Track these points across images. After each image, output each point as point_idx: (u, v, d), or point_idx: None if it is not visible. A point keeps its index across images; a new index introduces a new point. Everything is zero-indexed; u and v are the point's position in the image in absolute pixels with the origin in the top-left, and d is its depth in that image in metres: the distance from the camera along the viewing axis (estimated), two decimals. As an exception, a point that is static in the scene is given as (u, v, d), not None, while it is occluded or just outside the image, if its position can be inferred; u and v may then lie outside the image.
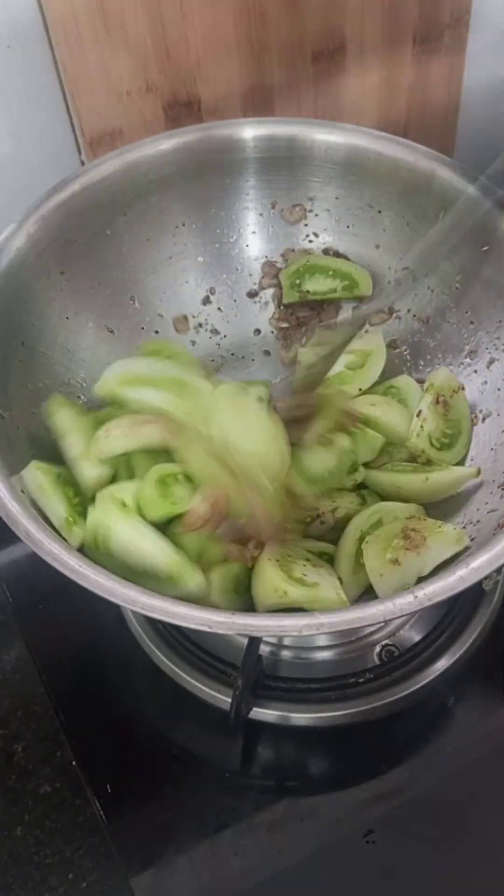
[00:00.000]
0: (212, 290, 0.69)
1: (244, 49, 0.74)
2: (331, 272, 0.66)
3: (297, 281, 0.67)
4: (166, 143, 0.64)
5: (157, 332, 0.67)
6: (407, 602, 0.45)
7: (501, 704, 0.61)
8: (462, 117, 0.88)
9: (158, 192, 0.64)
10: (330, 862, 0.55)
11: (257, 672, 0.58)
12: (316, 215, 0.68)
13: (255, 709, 0.59)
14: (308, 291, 0.67)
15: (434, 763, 0.59)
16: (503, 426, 0.59)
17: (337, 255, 0.67)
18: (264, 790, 0.58)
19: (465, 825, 0.56)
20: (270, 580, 0.52)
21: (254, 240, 0.69)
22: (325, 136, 0.64)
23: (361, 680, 0.60)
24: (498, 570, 0.46)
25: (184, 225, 0.66)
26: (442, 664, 0.62)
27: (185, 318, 0.68)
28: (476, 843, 0.55)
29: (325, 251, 0.67)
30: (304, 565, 0.54)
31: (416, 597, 0.45)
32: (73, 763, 0.58)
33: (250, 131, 0.65)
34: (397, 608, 0.45)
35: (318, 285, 0.66)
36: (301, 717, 0.59)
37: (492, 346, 0.61)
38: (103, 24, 0.67)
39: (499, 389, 0.61)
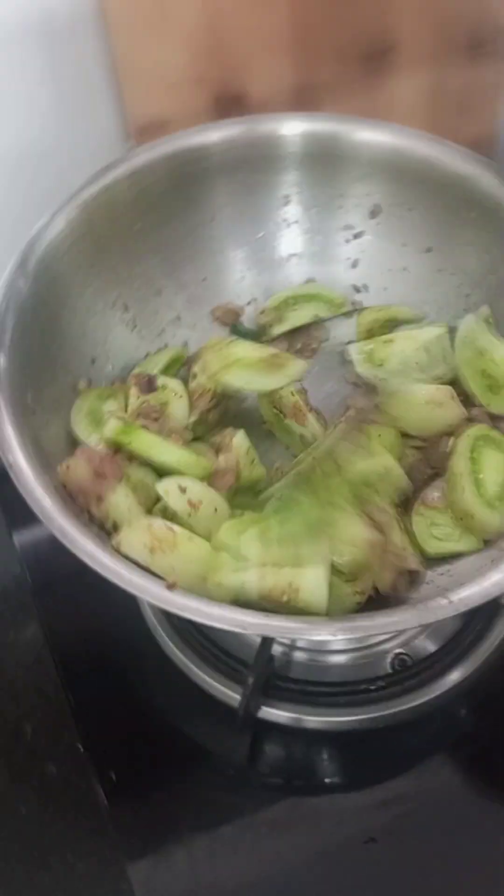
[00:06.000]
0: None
1: (295, 46, 0.73)
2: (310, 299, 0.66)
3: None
4: (201, 137, 0.63)
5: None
6: (440, 606, 0.44)
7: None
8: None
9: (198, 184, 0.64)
10: (328, 866, 0.55)
11: (268, 672, 0.58)
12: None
13: (264, 708, 0.59)
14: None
15: (440, 775, 0.59)
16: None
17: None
18: (268, 789, 0.58)
19: (467, 839, 0.56)
20: None
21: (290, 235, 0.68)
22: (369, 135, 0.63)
23: (373, 687, 0.59)
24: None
25: (213, 220, 0.66)
26: (455, 677, 0.61)
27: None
28: (476, 858, 0.55)
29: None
30: None
31: (450, 601, 0.45)
32: (80, 747, 0.59)
33: (294, 127, 0.64)
34: (431, 613, 0.44)
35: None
36: (310, 719, 0.59)
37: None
38: (160, 14, 0.67)
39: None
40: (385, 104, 0.80)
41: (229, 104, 0.75)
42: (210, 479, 0.55)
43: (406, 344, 0.61)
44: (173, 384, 0.60)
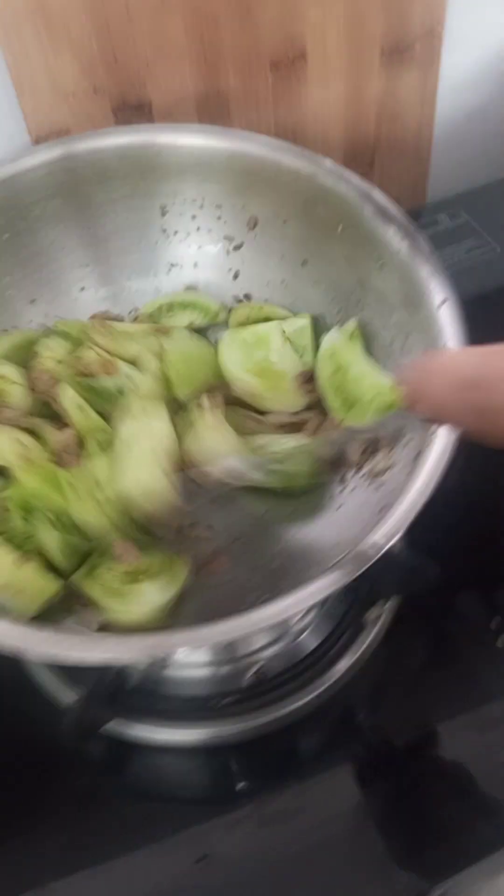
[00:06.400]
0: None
1: (195, 54, 0.72)
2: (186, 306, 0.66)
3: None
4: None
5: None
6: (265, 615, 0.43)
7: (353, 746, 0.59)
8: (438, 131, 0.85)
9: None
10: (160, 886, 0.54)
11: (113, 685, 0.57)
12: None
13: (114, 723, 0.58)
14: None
15: (282, 795, 0.57)
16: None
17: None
18: (113, 807, 0.57)
19: (299, 861, 0.54)
20: None
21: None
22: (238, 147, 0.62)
23: (224, 703, 0.58)
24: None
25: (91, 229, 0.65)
26: (307, 694, 0.60)
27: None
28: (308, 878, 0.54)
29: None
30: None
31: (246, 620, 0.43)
32: None
33: (168, 137, 0.63)
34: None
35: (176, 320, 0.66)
36: (160, 734, 0.58)
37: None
38: (44, 24, 0.67)
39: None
40: (298, 113, 0.79)
41: (131, 113, 0.75)
42: (56, 459, 0.56)
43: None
44: (8, 370, 0.60)
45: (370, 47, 0.77)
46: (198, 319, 0.66)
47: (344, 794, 0.56)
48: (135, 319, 0.66)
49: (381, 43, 0.77)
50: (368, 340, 0.59)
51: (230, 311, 0.67)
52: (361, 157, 0.84)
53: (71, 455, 0.58)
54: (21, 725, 0.59)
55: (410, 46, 0.78)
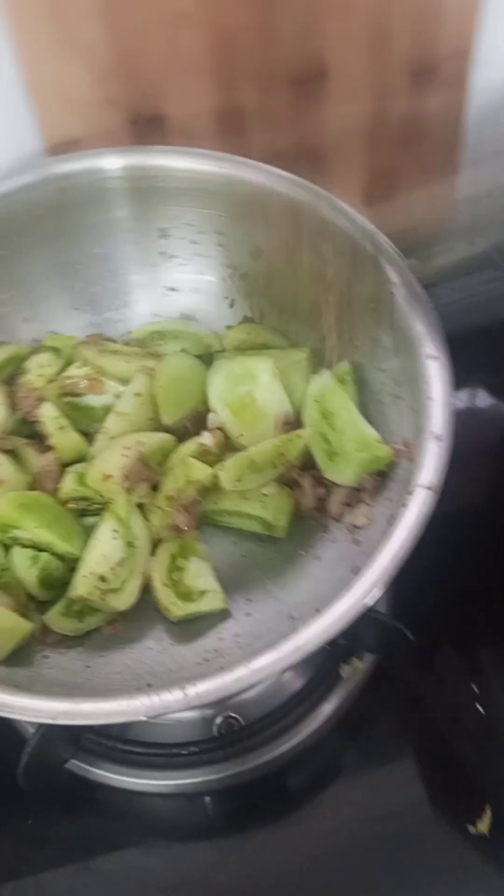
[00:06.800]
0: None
1: (211, 68, 0.70)
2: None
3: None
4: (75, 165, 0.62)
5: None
6: (175, 699, 0.42)
7: (332, 798, 0.57)
8: (465, 156, 0.82)
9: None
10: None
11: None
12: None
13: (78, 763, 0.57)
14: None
15: (245, 848, 0.56)
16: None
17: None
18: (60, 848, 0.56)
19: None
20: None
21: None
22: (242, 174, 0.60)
23: (185, 752, 0.57)
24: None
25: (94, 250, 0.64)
26: (283, 745, 0.58)
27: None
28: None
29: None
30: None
31: (185, 694, 0.42)
32: None
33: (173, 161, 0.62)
34: (163, 704, 0.42)
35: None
36: (121, 779, 0.57)
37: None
38: (58, 31, 0.66)
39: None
40: (319, 132, 0.77)
41: (146, 126, 0.73)
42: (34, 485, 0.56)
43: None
44: None
45: (396, 66, 0.74)
46: (190, 348, 0.64)
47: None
48: (125, 344, 0.64)
49: (407, 62, 0.74)
50: (360, 385, 0.57)
51: (228, 328, 0.65)
52: (383, 180, 0.81)
53: (50, 480, 0.57)
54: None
55: (438, 66, 0.75)
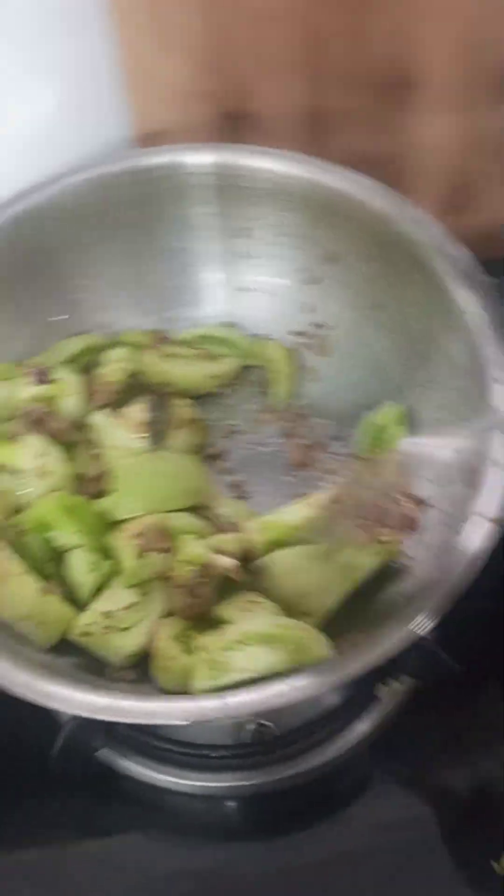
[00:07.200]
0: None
1: (304, 66, 0.69)
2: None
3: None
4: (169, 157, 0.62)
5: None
6: (214, 707, 0.42)
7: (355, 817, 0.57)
8: None
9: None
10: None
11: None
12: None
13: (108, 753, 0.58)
14: None
15: (261, 855, 0.56)
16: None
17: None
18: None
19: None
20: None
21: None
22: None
23: (213, 755, 0.56)
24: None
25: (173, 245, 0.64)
26: (313, 759, 0.58)
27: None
28: None
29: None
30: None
31: (225, 703, 0.42)
32: None
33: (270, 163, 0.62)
34: (201, 711, 0.42)
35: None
36: (148, 773, 0.57)
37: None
38: (163, 24, 0.66)
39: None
40: (406, 141, 0.75)
41: (237, 120, 0.73)
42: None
43: None
44: (68, 378, 0.59)
45: (490, 77, 0.72)
46: (231, 355, 0.64)
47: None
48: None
49: (501, 72, 0.72)
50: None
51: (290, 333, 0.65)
52: (464, 194, 0.79)
53: (94, 485, 0.56)
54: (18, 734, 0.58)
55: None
